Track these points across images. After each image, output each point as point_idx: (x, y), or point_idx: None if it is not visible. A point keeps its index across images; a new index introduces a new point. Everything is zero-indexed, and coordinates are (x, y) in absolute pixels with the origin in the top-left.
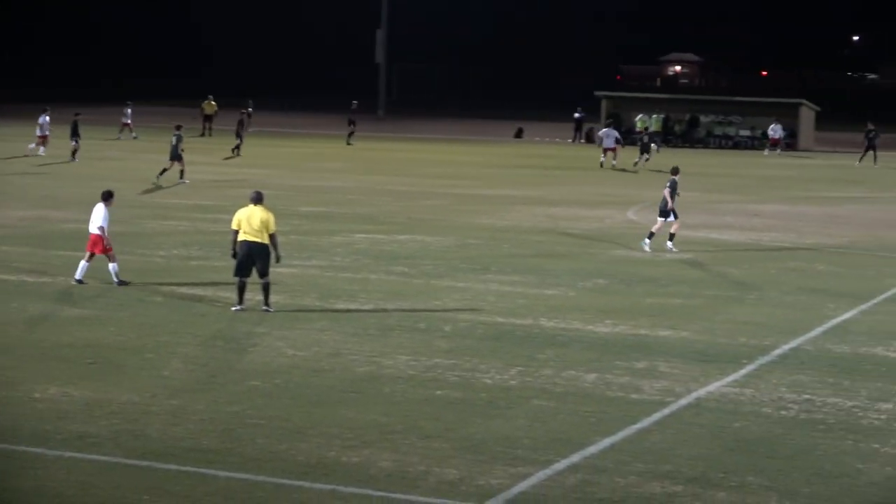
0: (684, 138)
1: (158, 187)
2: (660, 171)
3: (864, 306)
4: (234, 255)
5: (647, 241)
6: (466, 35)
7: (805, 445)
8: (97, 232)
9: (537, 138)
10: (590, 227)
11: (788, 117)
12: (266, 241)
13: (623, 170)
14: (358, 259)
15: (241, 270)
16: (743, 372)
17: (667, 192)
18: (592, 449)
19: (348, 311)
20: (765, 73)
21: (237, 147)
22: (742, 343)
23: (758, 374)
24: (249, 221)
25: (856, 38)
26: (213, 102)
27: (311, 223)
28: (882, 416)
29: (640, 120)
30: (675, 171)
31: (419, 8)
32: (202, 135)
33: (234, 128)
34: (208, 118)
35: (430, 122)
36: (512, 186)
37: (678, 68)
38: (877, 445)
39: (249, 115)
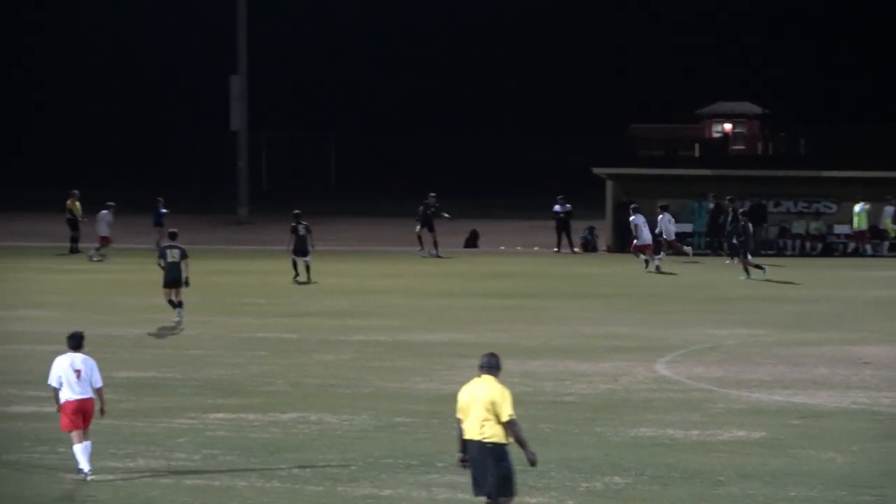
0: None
1: None
2: (718, 300)
3: None
4: (464, 463)
5: None
6: (371, 84)
7: None
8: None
9: (502, 247)
10: (594, 392)
11: None
12: (495, 437)
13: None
14: (213, 455)
15: (476, 484)
16: None
17: None
18: None
19: None
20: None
21: None
22: None
23: None
24: (470, 406)
25: None
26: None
27: (136, 397)
28: None
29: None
30: None
31: (288, 49)
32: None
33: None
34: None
35: (320, 222)
36: (461, 328)
37: (728, 126)
38: None
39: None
